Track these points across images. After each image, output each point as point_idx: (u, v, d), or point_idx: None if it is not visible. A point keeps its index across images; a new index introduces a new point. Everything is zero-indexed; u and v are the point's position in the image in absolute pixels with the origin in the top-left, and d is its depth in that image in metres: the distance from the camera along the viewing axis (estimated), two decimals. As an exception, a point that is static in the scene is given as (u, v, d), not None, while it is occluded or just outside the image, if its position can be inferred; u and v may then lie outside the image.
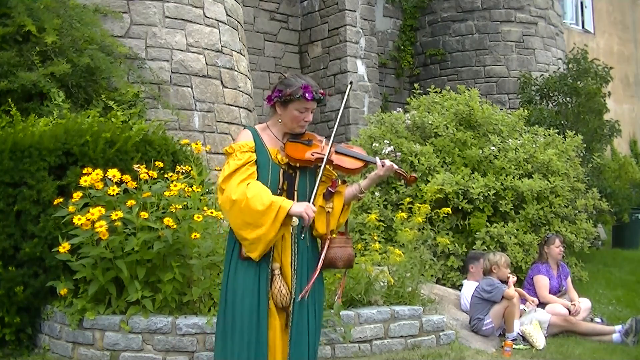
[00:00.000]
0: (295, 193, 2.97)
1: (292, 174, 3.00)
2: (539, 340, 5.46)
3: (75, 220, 4.05)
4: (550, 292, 6.25)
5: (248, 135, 3.02)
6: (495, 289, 5.56)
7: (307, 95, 2.93)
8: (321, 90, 3.03)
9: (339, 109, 3.40)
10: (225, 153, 3.03)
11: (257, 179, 2.92)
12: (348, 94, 3.34)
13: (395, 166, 3.05)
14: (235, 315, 2.90)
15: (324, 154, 2.97)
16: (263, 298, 2.90)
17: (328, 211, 2.99)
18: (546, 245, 6.47)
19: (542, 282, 6.25)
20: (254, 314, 2.88)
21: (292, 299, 2.94)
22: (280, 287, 2.91)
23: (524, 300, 6.00)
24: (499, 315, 5.51)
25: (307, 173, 3.02)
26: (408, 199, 5.96)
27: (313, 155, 2.98)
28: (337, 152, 3.05)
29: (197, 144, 4.97)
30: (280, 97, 2.98)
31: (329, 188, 3.00)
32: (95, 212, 4.07)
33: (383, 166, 3.01)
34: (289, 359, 2.93)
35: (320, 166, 2.98)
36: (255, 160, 2.95)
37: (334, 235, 3.02)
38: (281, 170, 2.98)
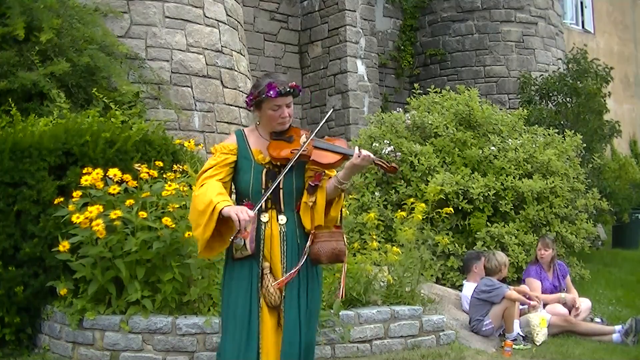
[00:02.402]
0: (281, 191, 2.96)
1: (277, 172, 2.98)
2: (540, 335, 5.49)
3: (73, 219, 4.05)
4: (544, 293, 6.25)
5: (232, 139, 3.07)
6: (495, 289, 5.55)
7: (271, 92, 2.92)
8: (291, 83, 3.00)
9: (339, 109, 3.42)
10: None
11: (240, 182, 2.97)
12: (328, 117, 3.35)
13: (373, 156, 2.97)
14: (229, 313, 2.93)
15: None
16: (254, 297, 2.91)
17: (311, 206, 2.95)
18: (537, 247, 6.51)
19: (533, 284, 6.25)
20: (245, 312, 2.89)
21: (284, 297, 2.94)
22: (268, 286, 2.92)
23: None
24: (499, 316, 5.51)
25: (293, 170, 2.99)
26: (411, 200, 5.95)
27: (292, 152, 2.96)
28: (316, 147, 3.00)
29: (189, 142, 4.95)
30: (252, 100, 3.01)
31: (310, 182, 2.96)
32: (94, 210, 4.07)
33: (359, 156, 2.93)
34: (281, 357, 2.92)
35: (304, 162, 2.98)
36: (237, 164, 2.98)
37: (332, 229, 3.01)
38: (264, 170, 2.97)
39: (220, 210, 2.75)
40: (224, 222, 2.82)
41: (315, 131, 3.06)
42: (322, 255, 2.97)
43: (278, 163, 2.99)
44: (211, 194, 2.82)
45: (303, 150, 2.93)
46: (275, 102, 2.96)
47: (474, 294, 5.70)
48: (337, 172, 3.05)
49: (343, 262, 3.13)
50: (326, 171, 3.01)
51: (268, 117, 3.00)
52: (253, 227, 2.87)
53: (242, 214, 2.73)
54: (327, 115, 3.36)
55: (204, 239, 2.83)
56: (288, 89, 2.96)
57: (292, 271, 2.91)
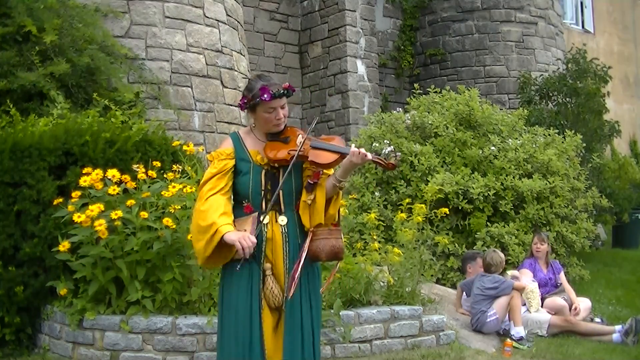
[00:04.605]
0: (281, 192, 2.94)
1: (276, 173, 2.97)
2: (534, 303, 5.94)
3: (74, 218, 4.05)
4: (539, 286, 6.28)
5: (228, 143, 3.04)
6: (503, 283, 5.63)
7: (265, 96, 2.90)
8: (284, 84, 2.97)
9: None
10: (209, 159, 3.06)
11: (239, 184, 2.95)
12: (312, 127, 3.29)
13: (370, 155, 2.95)
14: (230, 315, 2.91)
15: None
16: (255, 298, 2.90)
17: (310, 204, 2.93)
18: (533, 242, 6.56)
19: (525, 274, 6.30)
20: (247, 313, 2.88)
21: (285, 299, 2.93)
22: (272, 287, 2.90)
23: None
24: (504, 307, 5.54)
25: (292, 171, 2.97)
26: (408, 200, 5.97)
27: (289, 153, 2.94)
28: (312, 147, 2.98)
29: (189, 145, 4.96)
30: (246, 103, 2.99)
31: (309, 181, 2.95)
32: (95, 208, 4.06)
33: (357, 154, 2.90)
34: (284, 357, 2.91)
35: (301, 162, 2.97)
36: (235, 167, 2.96)
37: (330, 227, 3.00)
38: (263, 172, 2.96)
39: (223, 236, 2.76)
40: (225, 243, 2.81)
41: (309, 130, 3.04)
42: (321, 253, 2.95)
43: (276, 164, 2.97)
44: (214, 213, 2.81)
45: (300, 151, 2.92)
46: (270, 105, 2.94)
47: (476, 291, 5.70)
48: (336, 170, 3.04)
49: (341, 260, 3.12)
50: (324, 170, 3.00)
51: (263, 120, 2.99)
52: (253, 227, 2.87)
53: (245, 241, 2.74)
54: (313, 125, 3.32)
55: (204, 256, 2.86)
56: (282, 91, 2.94)
57: (295, 269, 2.89)
